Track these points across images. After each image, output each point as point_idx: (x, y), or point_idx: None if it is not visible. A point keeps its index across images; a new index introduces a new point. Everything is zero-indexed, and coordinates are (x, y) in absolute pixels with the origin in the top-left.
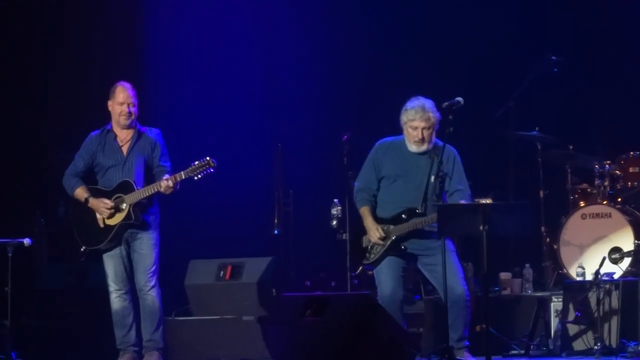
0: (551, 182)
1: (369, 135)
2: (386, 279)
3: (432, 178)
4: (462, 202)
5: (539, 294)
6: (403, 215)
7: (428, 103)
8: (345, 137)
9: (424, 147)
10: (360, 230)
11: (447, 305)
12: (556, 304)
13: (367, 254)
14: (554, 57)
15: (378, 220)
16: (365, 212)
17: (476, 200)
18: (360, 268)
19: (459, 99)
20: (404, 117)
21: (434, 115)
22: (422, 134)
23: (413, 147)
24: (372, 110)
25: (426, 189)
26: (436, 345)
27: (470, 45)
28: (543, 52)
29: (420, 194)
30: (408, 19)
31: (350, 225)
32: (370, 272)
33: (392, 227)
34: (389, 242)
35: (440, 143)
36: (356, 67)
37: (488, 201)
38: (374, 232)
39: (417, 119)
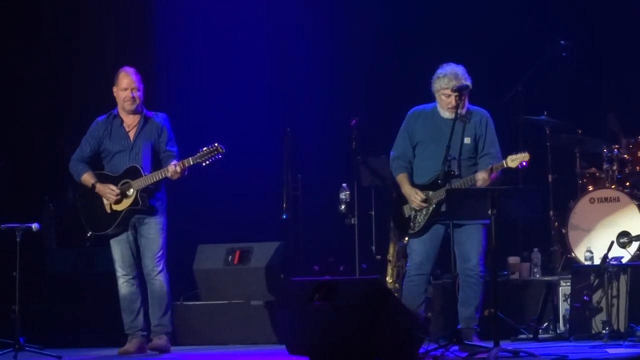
0: (560, 167)
1: (378, 120)
2: (417, 250)
3: (466, 140)
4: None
5: (547, 278)
6: (439, 181)
7: (460, 70)
8: (354, 121)
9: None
10: (367, 212)
11: (459, 279)
12: (564, 288)
13: (412, 224)
14: (562, 42)
15: (415, 187)
16: (402, 179)
17: (511, 155)
18: (406, 239)
19: (468, 82)
20: (437, 85)
21: (466, 82)
22: (456, 101)
23: (447, 114)
24: (380, 95)
25: (460, 151)
26: (445, 330)
27: (479, 29)
28: (552, 36)
29: (455, 157)
30: (417, 3)
31: (359, 209)
32: (379, 257)
33: (431, 192)
34: (431, 209)
35: (472, 107)
36: (365, 52)
37: (525, 156)
38: (414, 197)
39: (450, 87)
